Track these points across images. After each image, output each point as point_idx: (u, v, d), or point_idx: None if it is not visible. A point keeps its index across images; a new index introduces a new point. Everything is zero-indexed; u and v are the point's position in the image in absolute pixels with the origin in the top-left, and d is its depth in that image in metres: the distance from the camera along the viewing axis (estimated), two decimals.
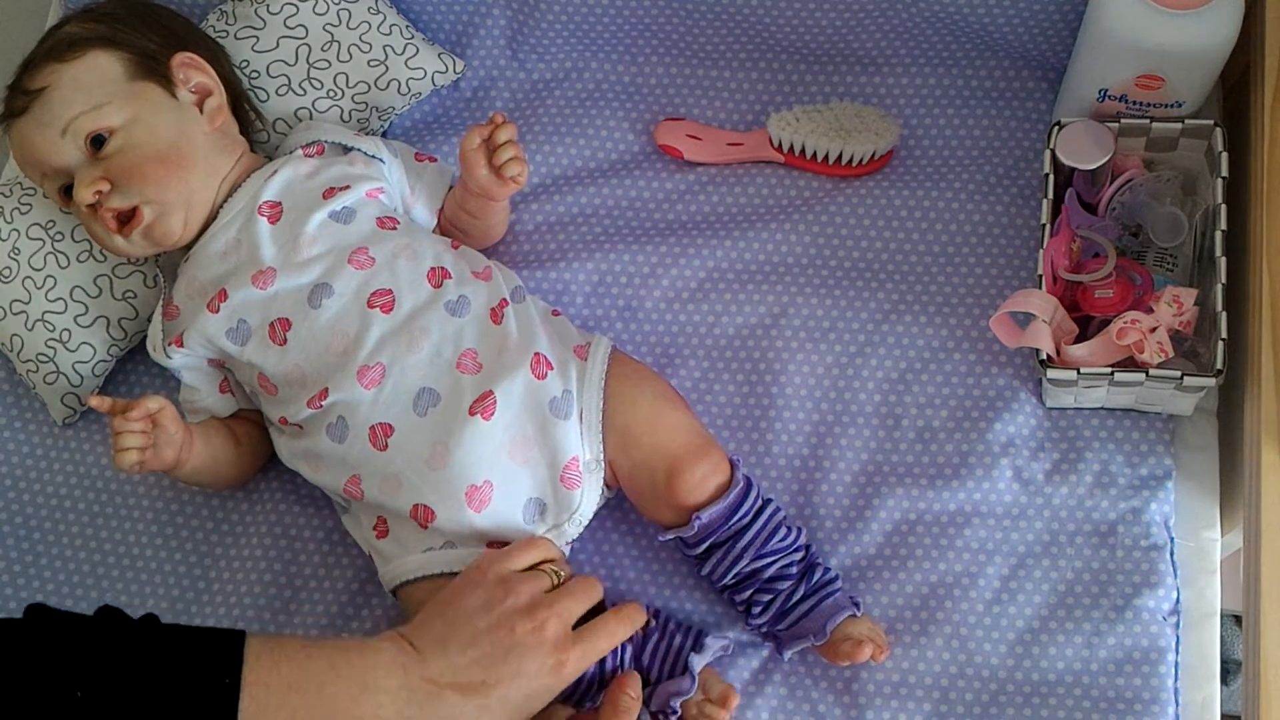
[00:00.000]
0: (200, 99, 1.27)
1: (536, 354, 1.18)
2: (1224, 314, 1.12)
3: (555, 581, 1.09)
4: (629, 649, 1.14)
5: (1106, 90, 1.22)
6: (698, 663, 1.12)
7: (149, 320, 1.30)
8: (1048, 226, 1.19)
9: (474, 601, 1.05)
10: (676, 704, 1.12)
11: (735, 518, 1.14)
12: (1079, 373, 1.13)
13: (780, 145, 1.35)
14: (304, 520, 1.27)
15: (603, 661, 1.12)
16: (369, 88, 1.38)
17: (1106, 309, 1.17)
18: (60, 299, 1.31)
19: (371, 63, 1.38)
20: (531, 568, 1.10)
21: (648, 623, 1.15)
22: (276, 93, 1.36)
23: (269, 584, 1.25)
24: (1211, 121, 1.19)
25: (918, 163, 1.35)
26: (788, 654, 1.16)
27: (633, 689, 1.10)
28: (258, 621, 1.24)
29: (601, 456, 1.17)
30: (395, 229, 1.24)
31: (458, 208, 1.30)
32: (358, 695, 0.98)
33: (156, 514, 1.30)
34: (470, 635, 1.03)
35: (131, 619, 0.97)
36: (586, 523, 1.18)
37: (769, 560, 1.14)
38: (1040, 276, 1.16)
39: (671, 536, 1.16)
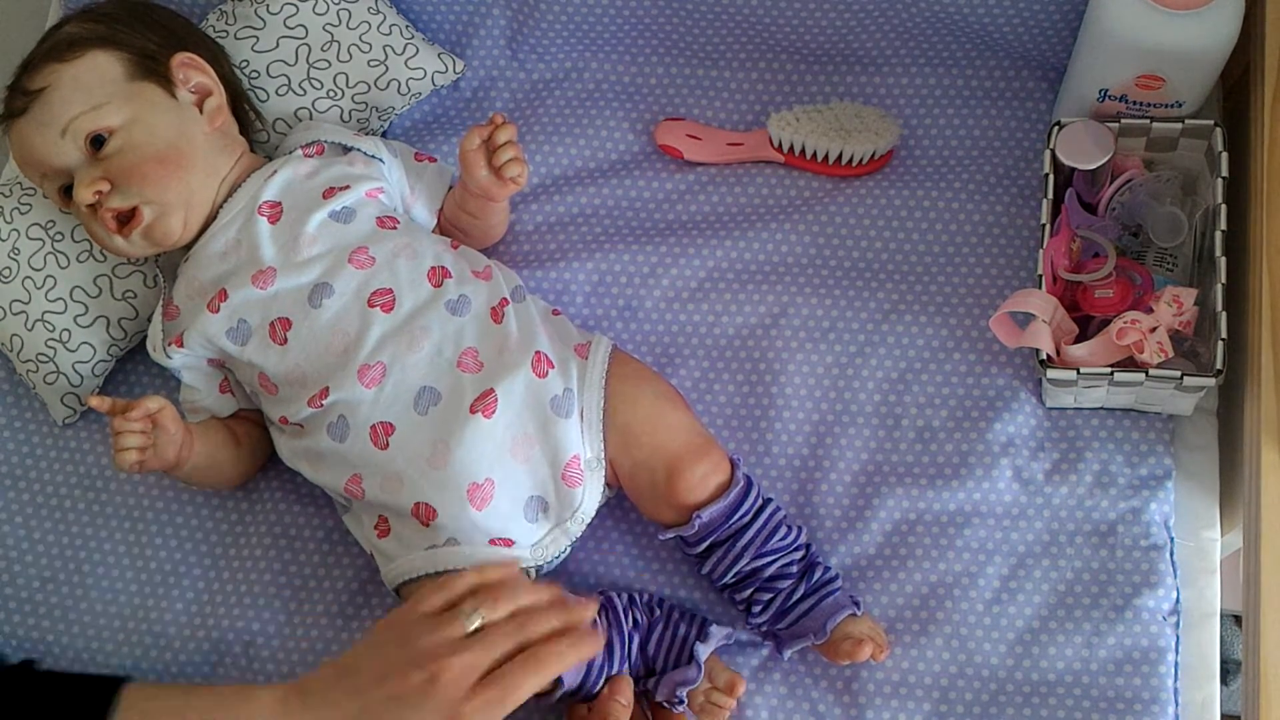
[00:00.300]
0: (200, 99, 1.27)
1: (537, 352, 1.18)
2: (1224, 314, 1.12)
3: (471, 626, 1.00)
4: (635, 639, 1.14)
5: (1106, 90, 1.22)
6: (703, 651, 1.13)
7: (149, 320, 1.30)
8: (1048, 226, 1.19)
9: (371, 649, 1.00)
10: (683, 693, 1.12)
11: (735, 517, 1.15)
12: (1079, 373, 1.13)
13: (780, 145, 1.35)
14: (304, 520, 1.27)
15: (611, 654, 1.12)
16: (369, 88, 1.38)
17: (1106, 309, 1.17)
18: (60, 299, 1.31)
19: (371, 63, 1.38)
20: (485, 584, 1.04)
21: (645, 622, 1.15)
22: (276, 93, 1.36)
23: (269, 584, 1.25)
24: (1211, 121, 1.19)
25: (918, 163, 1.35)
26: (788, 653, 1.16)
27: (624, 695, 1.09)
28: (257, 620, 1.24)
29: (602, 455, 1.17)
30: (395, 229, 1.24)
31: (457, 208, 1.30)
32: None
33: (156, 514, 1.30)
34: (359, 684, 0.98)
35: (4, 665, 0.95)
36: (589, 520, 1.18)
37: (769, 559, 1.15)
38: (1040, 276, 1.16)
39: (672, 535, 1.16)
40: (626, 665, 1.14)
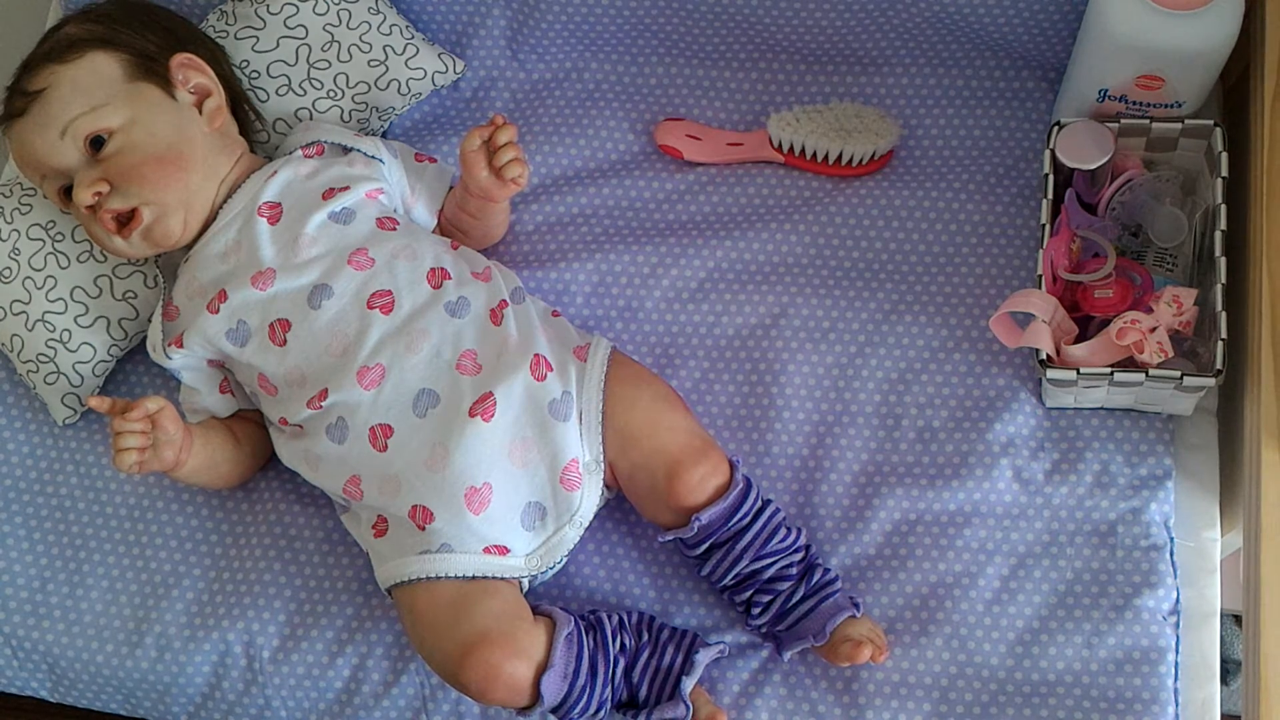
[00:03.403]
0: (199, 100, 1.27)
1: (536, 355, 1.18)
2: (1224, 314, 1.12)
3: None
4: (621, 663, 1.14)
5: (1106, 90, 1.22)
6: (689, 685, 1.12)
7: (149, 320, 1.30)
8: (1048, 226, 1.19)
9: None
10: None
11: (735, 519, 1.14)
12: (1079, 373, 1.13)
13: (780, 145, 1.35)
14: (304, 520, 1.28)
15: (595, 677, 1.12)
16: (369, 88, 1.38)
17: (1106, 309, 1.17)
18: (60, 299, 1.31)
19: (371, 63, 1.37)
20: None
21: (633, 646, 1.15)
22: (276, 93, 1.36)
23: (269, 584, 1.26)
24: (1211, 121, 1.19)
25: (918, 163, 1.35)
26: (788, 654, 1.16)
27: None
28: (257, 621, 1.24)
29: (601, 458, 1.17)
30: (395, 230, 1.24)
31: (458, 208, 1.30)
32: None
33: (156, 514, 1.30)
34: None
35: None
36: (587, 524, 1.18)
37: (769, 561, 1.14)
38: (1040, 276, 1.16)
39: (671, 538, 1.16)
40: (609, 689, 1.14)
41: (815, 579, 1.15)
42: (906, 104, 1.37)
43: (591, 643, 1.13)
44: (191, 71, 1.27)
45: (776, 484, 1.23)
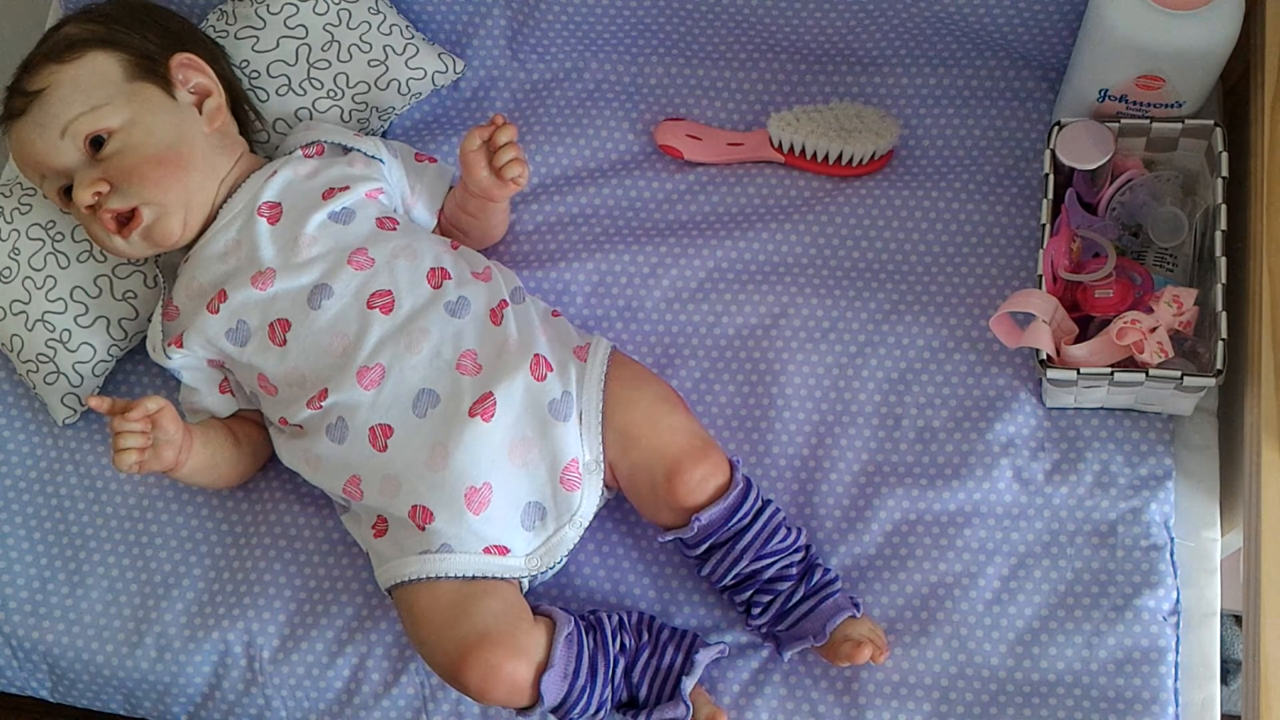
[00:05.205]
0: (199, 99, 1.27)
1: (536, 355, 1.18)
2: (1224, 314, 1.12)
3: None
4: (620, 663, 1.14)
5: (1106, 90, 1.22)
6: (689, 685, 1.12)
7: (149, 320, 1.30)
8: (1048, 226, 1.19)
9: None
10: None
11: (735, 519, 1.14)
12: (1079, 373, 1.13)
13: (780, 145, 1.35)
14: (304, 520, 1.27)
15: (595, 677, 1.12)
16: (369, 88, 1.38)
17: (1106, 309, 1.17)
18: (60, 299, 1.31)
19: (371, 63, 1.37)
20: None
21: (633, 646, 1.15)
22: (276, 93, 1.36)
23: (269, 584, 1.26)
24: (1211, 121, 1.19)
25: (918, 163, 1.35)
26: (788, 654, 1.16)
27: None
28: (257, 621, 1.24)
29: (601, 458, 1.17)
30: (395, 230, 1.24)
31: (458, 208, 1.30)
32: None
33: (156, 514, 1.30)
34: None
35: None
36: (587, 524, 1.18)
37: (769, 561, 1.14)
38: (1040, 276, 1.16)
39: (671, 538, 1.16)
40: (610, 689, 1.14)
41: (815, 579, 1.15)
42: (906, 104, 1.37)
43: (591, 643, 1.13)
44: (191, 71, 1.27)
45: (776, 484, 1.23)
